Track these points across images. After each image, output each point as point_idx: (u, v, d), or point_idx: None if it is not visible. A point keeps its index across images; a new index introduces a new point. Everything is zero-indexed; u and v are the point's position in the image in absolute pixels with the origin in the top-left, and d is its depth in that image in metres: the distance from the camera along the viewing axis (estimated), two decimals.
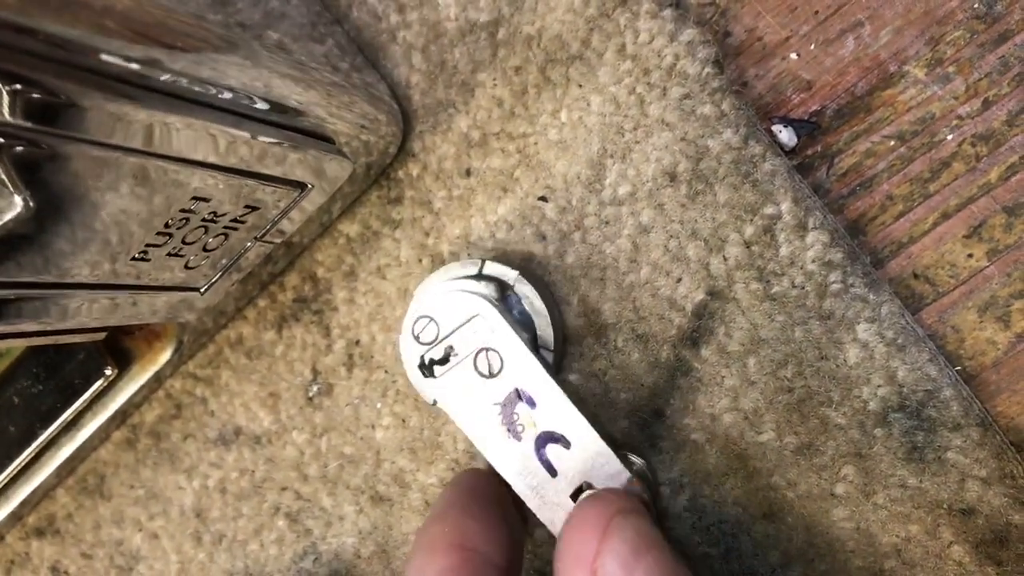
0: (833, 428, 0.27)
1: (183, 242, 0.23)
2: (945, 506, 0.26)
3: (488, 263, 0.27)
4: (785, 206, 0.27)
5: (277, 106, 0.23)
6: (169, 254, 0.23)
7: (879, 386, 0.26)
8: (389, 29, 0.30)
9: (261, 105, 0.22)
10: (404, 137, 0.30)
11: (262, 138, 0.22)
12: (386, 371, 0.31)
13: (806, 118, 0.28)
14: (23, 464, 0.31)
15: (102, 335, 0.28)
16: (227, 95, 0.21)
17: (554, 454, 0.25)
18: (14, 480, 0.31)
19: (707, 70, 0.27)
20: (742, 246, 0.27)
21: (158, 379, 0.31)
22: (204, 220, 0.23)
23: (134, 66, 0.18)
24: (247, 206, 0.24)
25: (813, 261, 0.27)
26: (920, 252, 0.27)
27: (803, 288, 0.27)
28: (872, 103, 0.27)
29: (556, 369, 0.29)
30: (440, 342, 0.25)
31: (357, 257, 0.31)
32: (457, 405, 0.25)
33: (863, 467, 0.27)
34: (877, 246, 0.27)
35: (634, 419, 0.28)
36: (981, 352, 0.27)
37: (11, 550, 0.35)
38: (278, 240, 0.27)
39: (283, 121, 0.23)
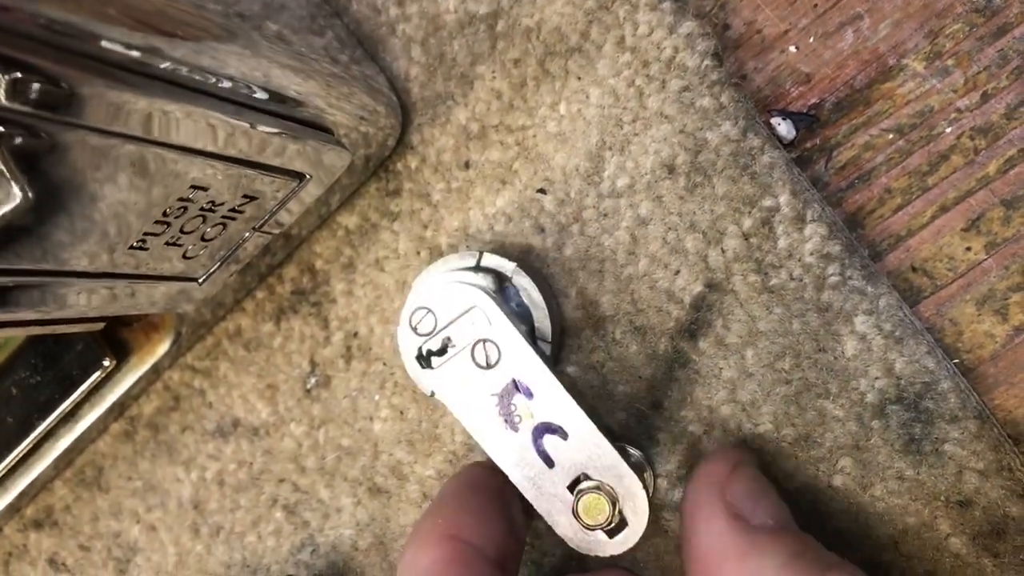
0: (830, 420, 0.27)
1: (181, 231, 0.23)
2: (942, 498, 0.26)
3: (486, 255, 0.27)
4: (783, 199, 0.27)
5: (276, 96, 0.23)
6: (167, 243, 0.23)
7: (877, 378, 0.26)
8: (388, 22, 0.30)
9: (260, 95, 0.22)
10: (403, 129, 0.30)
11: (261, 127, 0.22)
12: (384, 363, 0.31)
13: (805, 111, 0.28)
14: (21, 455, 0.31)
15: (100, 325, 0.28)
16: (227, 84, 0.21)
17: (551, 445, 0.25)
18: (12, 472, 0.31)
19: (706, 63, 0.27)
20: (740, 238, 0.27)
21: (156, 371, 0.31)
22: (202, 209, 0.23)
23: (134, 53, 0.18)
24: (245, 196, 0.24)
25: (811, 254, 0.27)
26: (918, 245, 0.27)
27: (801, 280, 0.27)
28: (871, 96, 0.27)
29: (554, 361, 0.29)
30: (438, 333, 0.26)
31: (355, 249, 0.31)
32: (454, 396, 0.25)
33: (860, 459, 0.27)
34: (875, 239, 0.27)
35: (632, 411, 0.28)
36: (979, 345, 0.27)
37: (9, 542, 0.35)
38: (276, 231, 0.27)
39: (282, 111, 0.23)
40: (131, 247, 0.22)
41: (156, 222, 0.22)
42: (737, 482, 0.24)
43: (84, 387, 0.30)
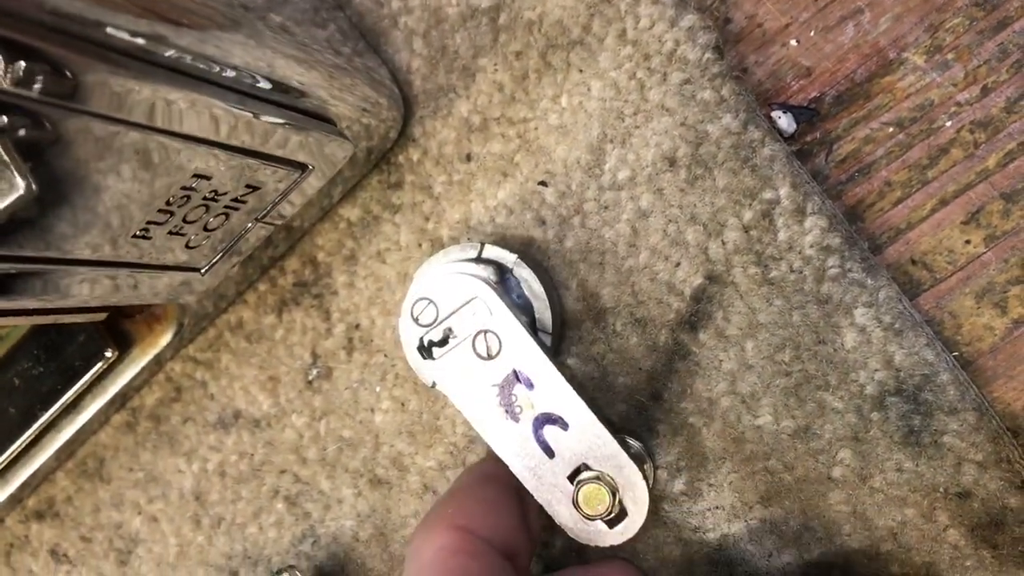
0: (830, 412, 0.27)
1: (184, 220, 0.23)
2: (941, 490, 0.26)
3: (487, 247, 0.28)
4: (784, 191, 0.27)
5: (279, 86, 0.23)
6: (170, 232, 0.23)
7: (876, 370, 0.27)
8: (391, 14, 0.30)
9: (264, 84, 0.22)
10: (405, 122, 0.30)
11: (264, 117, 0.22)
12: (385, 355, 0.31)
13: (805, 104, 0.28)
14: (23, 446, 0.31)
15: (103, 316, 0.28)
16: (230, 73, 0.21)
17: (552, 435, 0.25)
18: (14, 463, 0.31)
19: (707, 56, 0.27)
20: (741, 231, 0.27)
21: (158, 362, 0.31)
22: (205, 199, 0.23)
23: (140, 41, 0.18)
24: (248, 186, 0.24)
25: (811, 246, 0.27)
26: (918, 238, 0.27)
27: (801, 273, 0.27)
28: (871, 90, 0.27)
29: (554, 352, 0.29)
30: (439, 324, 0.26)
31: (357, 241, 0.31)
32: (455, 387, 0.26)
33: (860, 451, 0.27)
34: (875, 232, 0.27)
35: (632, 402, 0.28)
36: (978, 338, 0.27)
37: (11, 533, 0.35)
38: (278, 222, 0.27)
39: (285, 101, 0.23)
40: (134, 236, 0.22)
41: (159, 211, 0.22)
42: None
43: (86, 378, 0.30)
